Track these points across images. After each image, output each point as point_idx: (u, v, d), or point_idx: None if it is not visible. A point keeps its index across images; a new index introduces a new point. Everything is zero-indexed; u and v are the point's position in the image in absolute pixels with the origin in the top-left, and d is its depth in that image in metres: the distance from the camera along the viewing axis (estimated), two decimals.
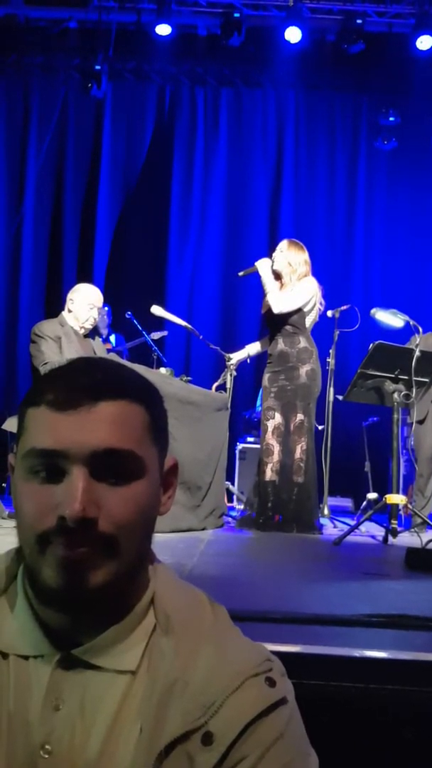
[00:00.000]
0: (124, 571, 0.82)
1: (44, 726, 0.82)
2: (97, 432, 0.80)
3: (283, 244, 4.81)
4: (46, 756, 0.81)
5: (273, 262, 4.80)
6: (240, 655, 0.85)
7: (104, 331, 6.10)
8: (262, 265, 4.75)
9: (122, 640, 0.85)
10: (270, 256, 4.84)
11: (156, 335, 5.93)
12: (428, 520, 4.37)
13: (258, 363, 5.64)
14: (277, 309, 4.61)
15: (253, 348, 5.12)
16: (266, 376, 4.73)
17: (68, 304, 4.45)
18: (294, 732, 0.83)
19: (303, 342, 4.63)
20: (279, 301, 4.61)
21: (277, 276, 4.77)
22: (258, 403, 6.91)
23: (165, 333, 6.43)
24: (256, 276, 7.46)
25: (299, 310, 4.64)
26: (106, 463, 0.80)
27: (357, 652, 1.53)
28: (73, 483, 0.79)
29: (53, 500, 0.79)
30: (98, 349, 4.57)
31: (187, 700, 0.81)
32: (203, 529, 4.20)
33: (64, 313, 4.44)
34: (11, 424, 4.21)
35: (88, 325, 4.40)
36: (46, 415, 0.81)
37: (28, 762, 0.81)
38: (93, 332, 4.61)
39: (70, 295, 4.50)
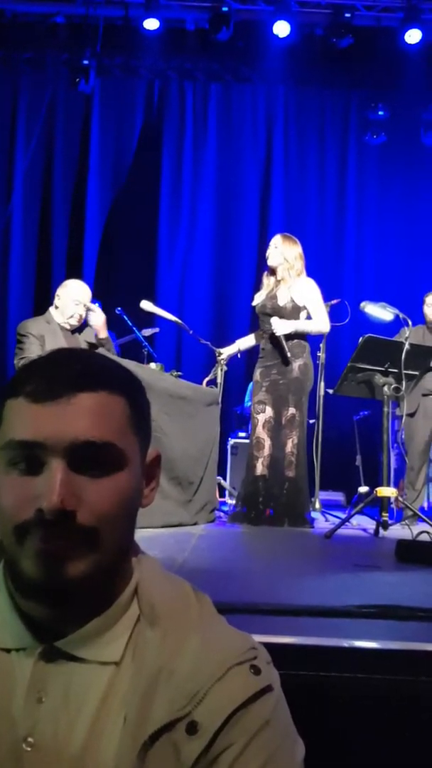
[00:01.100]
0: (105, 563, 0.82)
1: (27, 719, 0.81)
2: (76, 423, 0.80)
3: (277, 240, 4.80)
4: (29, 749, 0.80)
5: (267, 257, 4.79)
6: (225, 643, 0.85)
7: None
8: (281, 326, 4.57)
9: (105, 631, 0.84)
10: (262, 250, 4.84)
11: (147, 332, 5.92)
12: (419, 513, 4.38)
13: (248, 358, 5.64)
14: (327, 330, 4.82)
15: (244, 343, 5.12)
16: (258, 371, 4.73)
17: (55, 300, 4.40)
18: (280, 719, 0.83)
19: (296, 337, 4.63)
20: (320, 326, 4.71)
21: (273, 272, 4.76)
22: (247, 398, 6.91)
23: (156, 330, 6.43)
24: (248, 271, 7.57)
25: (300, 308, 4.64)
26: (86, 455, 0.80)
27: (347, 643, 1.54)
28: (51, 475, 0.78)
29: (32, 492, 0.79)
30: (84, 345, 4.51)
31: (172, 689, 0.80)
32: (195, 524, 4.20)
33: (51, 310, 4.39)
34: None
35: (74, 322, 4.32)
36: (25, 407, 0.80)
37: (12, 755, 0.80)
38: (82, 329, 4.54)
39: (58, 291, 4.45)
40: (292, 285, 4.67)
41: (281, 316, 4.59)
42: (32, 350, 4.13)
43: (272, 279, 4.78)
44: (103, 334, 4.39)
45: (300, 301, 4.65)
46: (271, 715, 0.82)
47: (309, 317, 4.70)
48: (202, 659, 0.82)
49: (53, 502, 0.77)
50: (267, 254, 4.80)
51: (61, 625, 0.83)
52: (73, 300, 4.31)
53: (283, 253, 4.71)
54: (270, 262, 4.76)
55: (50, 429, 0.79)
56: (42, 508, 0.77)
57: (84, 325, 4.42)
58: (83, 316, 4.35)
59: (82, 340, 4.40)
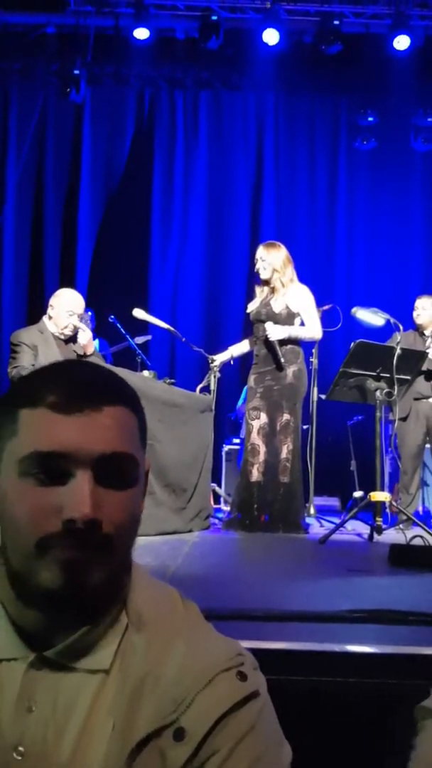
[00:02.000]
0: (116, 571, 0.84)
1: (17, 728, 0.81)
2: (103, 436, 0.81)
3: (261, 252, 4.76)
4: (20, 758, 0.81)
5: (257, 272, 4.77)
6: (211, 650, 0.85)
7: None
8: (275, 332, 4.57)
9: (95, 639, 0.85)
10: (254, 257, 4.83)
11: (140, 339, 5.93)
12: (413, 517, 4.39)
13: (241, 363, 5.64)
14: (319, 337, 4.78)
15: (237, 349, 5.12)
16: (252, 377, 4.74)
17: (49, 310, 4.40)
18: (266, 724, 0.83)
19: (290, 343, 4.64)
20: (312, 332, 4.70)
21: (266, 282, 4.74)
22: (240, 400, 6.93)
23: (149, 337, 6.43)
24: (240, 278, 7.59)
25: (295, 315, 4.65)
26: (110, 467, 0.81)
27: (338, 647, 1.54)
28: (80, 486, 0.79)
29: (56, 502, 0.79)
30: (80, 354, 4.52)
31: (159, 696, 0.81)
32: (189, 531, 4.20)
33: (45, 319, 4.40)
34: None
35: (68, 332, 4.34)
36: (49, 417, 0.81)
37: (2, 764, 0.81)
38: (74, 339, 4.56)
39: (51, 301, 4.45)
40: (286, 292, 4.67)
41: (276, 323, 4.60)
42: (25, 360, 4.14)
43: (265, 288, 4.77)
44: (90, 350, 4.42)
45: (294, 308, 4.66)
46: (257, 721, 0.82)
47: (303, 324, 4.71)
48: (188, 666, 0.82)
49: (85, 513, 0.78)
50: (256, 269, 4.78)
51: (52, 635, 0.84)
52: (67, 311, 4.32)
53: (272, 263, 4.69)
54: (262, 276, 4.73)
55: (78, 440, 0.80)
56: (73, 518, 0.78)
57: (76, 335, 4.42)
58: (77, 326, 4.36)
59: (77, 349, 4.42)
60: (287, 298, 4.66)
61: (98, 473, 0.80)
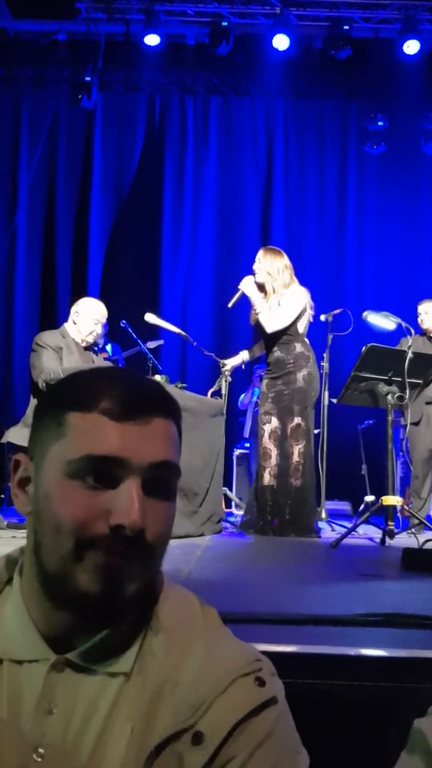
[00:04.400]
0: (150, 581, 0.85)
1: (37, 730, 0.82)
2: (155, 446, 0.83)
3: (260, 254, 4.76)
4: (39, 760, 0.81)
5: (255, 274, 4.77)
6: (229, 655, 0.86)
7: (100, 341, 6.13)
8: (247, 285, 4.65)
9: (116, 642, 0.85)
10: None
11: (152, 344, 5.95)
12: (425, 521, 4.38)
13: (252, 366, 5.66)
14: (270, 329, 4.59)
15: (247, 354, 5.14)
16: (264, 382, 4.75)
17: (72, 316, 4.50)
18: (284, 731, 0.84)
19: (299, 347, 4.64)
20: (270, 320, 4.58)
21: (261, 287, 4.73)
22: (242, 396, 6.95)
23: (161, 342, 6.45)
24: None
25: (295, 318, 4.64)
26: (157, 477, 0.83)
27: (352, 651, 1.54)
28: (130, 492, 0.80)
29: (104, 507, 0.80)
30: (97, 361, 4.63)
31: (177, 700, 0.81)
32: (201, 535, 4.20)
33: (67, 325, 4.50)
34: (13, 436, 4.21)
35: (90, 339, 4.48)
36: (104, 423, 0.82)
37: (22, 766, 0.81)
38: (90, 347, 4.66)
39: (75, 308, 4.55)
40: (281, 297, 4.66)
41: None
42: (50, 362, 4.22)
43: (264, 301, 4.75)
44: None
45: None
46: (275, 727, 0.82)
47: (304, 323, 4.68)
48: (206, 671, 0.83)
49: (134, 520, 0.79)
50: (253, 269, 4.78)
51: (74, 638, 0.85)
52: (93, 319, 4.46)
53: (266, 267, 4.68)
54: (256, 279, 4.73)
55: (131, 448, 0.81)
56: (122, 524, 0.79)
57: (95, 343, 4.56)
58: (99, 333, 4.52)
59: (94, 357, 4.53)
60: (282, 302, 4.65)
61: (145, 482, 0.82)
